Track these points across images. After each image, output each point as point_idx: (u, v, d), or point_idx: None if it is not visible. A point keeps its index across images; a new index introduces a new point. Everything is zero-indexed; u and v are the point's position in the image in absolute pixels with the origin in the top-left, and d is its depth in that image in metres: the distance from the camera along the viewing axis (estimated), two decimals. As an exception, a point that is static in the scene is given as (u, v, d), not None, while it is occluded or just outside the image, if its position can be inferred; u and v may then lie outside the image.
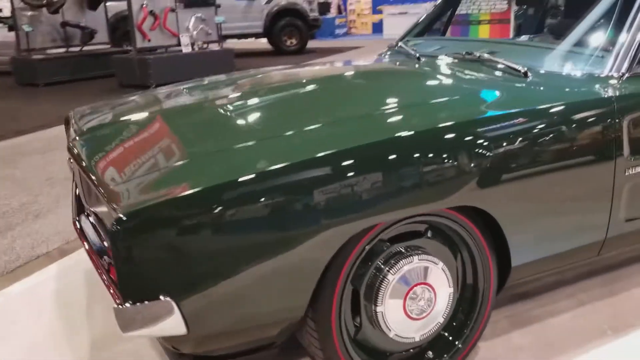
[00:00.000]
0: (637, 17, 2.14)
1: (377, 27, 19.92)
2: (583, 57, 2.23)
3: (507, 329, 2.19)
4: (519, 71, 2.22)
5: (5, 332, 2.36)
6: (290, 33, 14.07)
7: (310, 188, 1.54)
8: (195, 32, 9.99)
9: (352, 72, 2.96)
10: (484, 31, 8.03)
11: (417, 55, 2.81)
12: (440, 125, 1.77)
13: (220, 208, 1.49)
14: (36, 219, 3.63)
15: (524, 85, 2.14)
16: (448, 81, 2.41)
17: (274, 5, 13.74)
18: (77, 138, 2.20)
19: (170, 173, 1.67)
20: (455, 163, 1.71)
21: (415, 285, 1.77)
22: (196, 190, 1.50)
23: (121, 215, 1.44)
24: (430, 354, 1.93)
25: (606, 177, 1.95)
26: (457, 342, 1.94)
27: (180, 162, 1.72)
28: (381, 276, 1.72)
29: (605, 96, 1.98)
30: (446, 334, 1.95)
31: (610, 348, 2.06)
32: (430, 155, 1.69)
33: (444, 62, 2.64)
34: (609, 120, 1.93)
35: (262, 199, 1.50)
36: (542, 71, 2.22)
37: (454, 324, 1.95)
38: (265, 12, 13.68)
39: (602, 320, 2.23)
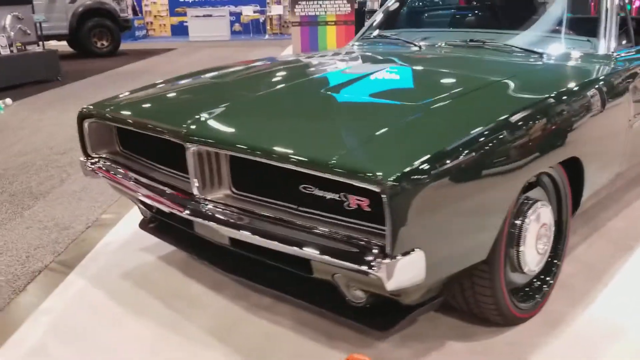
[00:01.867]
0: (611, 12, 2.81)
1: (178, 30, 19.65)
2: (572, 42, 2.84)
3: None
4: (539, 53, 2.73)
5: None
6: (100, 34, 13.26)
7: (504, 143, 1.86)
8: (12, 32, 8.98)
9: (436, 57, 3.10)
10: (330, 32, 8.71)
11: (419, 45, 3.13)
12: (555, 93, 2.21)
13: (451, 164, 1.71)
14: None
15: (553, 65, 2.67)
16: (501, 63, 2.79)
17: (79, 5, 12.82)
18: (203, 123, 2.15)
19: (387, 139, 1.86)
20: (571, 123, 2.16)
21: (542, 225, 2.16)
22: (438, 150, 1.71)
23: (392, 180, 1.58)
24: (536, 280, 2.34)
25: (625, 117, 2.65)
26: (556, 262, 2.40)
27: (385, 130, 1.89)
28: (524, 220, 2.08)
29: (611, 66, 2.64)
30: (552, 260, 2.39)
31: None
32: (556, 117, 2.11)
33: (468, 48, 3.03)
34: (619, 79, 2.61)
35: (474, 153, 1.78)
36: (545, 54, 2.76)
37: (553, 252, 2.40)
38: (71, 12, 12.71)
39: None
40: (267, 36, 18.58)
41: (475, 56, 2.89)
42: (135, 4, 19.65)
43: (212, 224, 2.08)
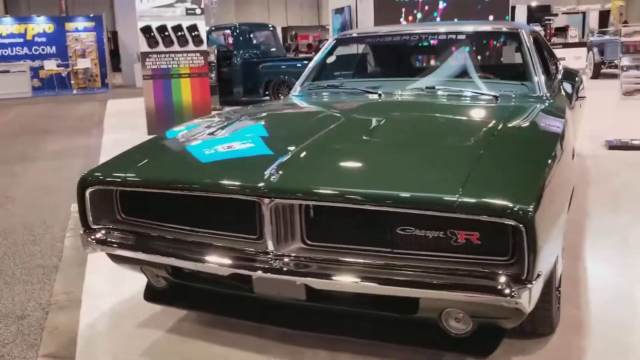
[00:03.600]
0: (534, 60, 3.36)
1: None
2: (512, 86, 3.31)
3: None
4: (495, 96, 3.14)
5: None
6: None
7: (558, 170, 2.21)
8: None
9: (419, 104, 3.30)
10: (185, 84, 8.61)
11: (379, 93, 3.35)
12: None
13: (546, 190, 1.96)
14: None
15: (504, 103, 3.08)
16: (480, 106, 3.13)
17: None
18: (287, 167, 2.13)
19: (486, 176, 2.04)
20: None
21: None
22: (542, 180, 1.98)
23: (530, 212, 1.76)
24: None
25: None
26: None
27: (472, 167, 2.06)
28: None
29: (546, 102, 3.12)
30: None
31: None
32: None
33: (429, 96, 3.31)
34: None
35: None
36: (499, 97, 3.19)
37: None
38: None
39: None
40: (74, 91, 17.41)
41: (450, 102, 3.20)
42: None
43: (298, 278, 2.04)
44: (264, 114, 3.32)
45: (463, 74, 3.51)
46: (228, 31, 12.49)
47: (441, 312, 2.01)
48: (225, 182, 2.17)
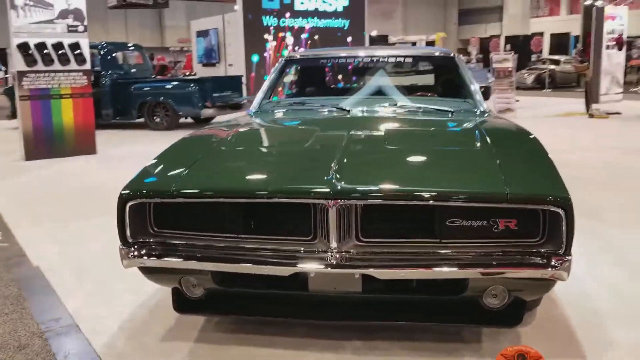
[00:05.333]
0: (471, 79, 3.90)
1: None
2: (459, 103, 3.80)
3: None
4: (449, 112, 3.59)
5: None
6: None
7: None
8: None
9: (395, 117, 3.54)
10: (66, 105, 8.17)
11: (347, 108, 3.63)
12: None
13: None
14: None
15: (461, 117, 3.54)
16: (445, 119, 3.48)
17: None
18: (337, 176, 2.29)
19: (515, 171, 2.41)
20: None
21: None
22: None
23: (568, 199, 2.15)
24: None
25: None
26: None
27: (498, 164, 2.43)
28: None
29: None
30: None
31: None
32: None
33: (390, 109, 3.64)
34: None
35: None
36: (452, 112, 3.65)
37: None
38: None
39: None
40: None
41: (424, 117, 3.54)
42: None
43: (364, 271, 2.25)
44: (267, 128, 3.45)
45: (414, 92, 3.94)
46: (95, 50, 11.95)
47: (484, 290, 2.35)
48: (289, 188, 2.31)
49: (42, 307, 3.12)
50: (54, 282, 3.44)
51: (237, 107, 11.44)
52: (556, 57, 22.26)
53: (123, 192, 2.38)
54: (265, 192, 2.31)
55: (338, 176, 2.30)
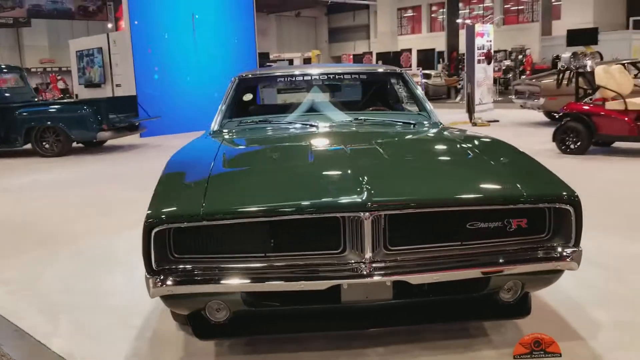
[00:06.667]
0: (422, 94, 4.17)
1: None
2: (415, 116, 4.03)
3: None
4: (412, 124, 3.81)
5: None
6: None
7: None
8: None
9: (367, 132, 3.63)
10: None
11: (316, 124, 3.70)
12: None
13: None
14: None
15: (425, 127, 3.77)
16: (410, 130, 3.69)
17: None
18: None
19: (520, 173, 2.64)
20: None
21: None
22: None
23: (577, 196, 2.41)
24: None
25: None
26: None
27: (499, 168, 2.68)
28: None
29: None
30: None
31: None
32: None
33: (353, 125, 3.76)
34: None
35: None
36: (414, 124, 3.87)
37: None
38: None
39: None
40: None
41: (398, 129, 3.71)
42: None
43: (400, 277, 2.35)
44: (254, 147, 3.48)
45: (369, 106, 4.12)
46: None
47: (503, 286, 2.55)
48: (324, 202, 2.35)
49: (25, 353, 2.87)
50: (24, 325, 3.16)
51: (133, 128, 11.01)
52: (427, 71, 23.78)
53: (148, 219, 2.29)
54: (302, 209, 2.33)
55: (370, 189, 2.38)
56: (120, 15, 20.21)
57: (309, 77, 4.30)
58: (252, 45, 14.68)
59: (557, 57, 19.74)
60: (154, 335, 2.95)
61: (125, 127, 10.77)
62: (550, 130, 8.46)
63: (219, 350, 2.74)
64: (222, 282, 2.33)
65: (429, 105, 4.07)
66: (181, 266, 2.38)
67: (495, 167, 2.69)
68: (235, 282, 2.34)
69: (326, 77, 4.33)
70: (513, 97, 12.79)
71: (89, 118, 10.07)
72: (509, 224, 2.48)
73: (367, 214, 2.31)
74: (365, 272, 2.34)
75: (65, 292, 3.58)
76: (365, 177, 2.48)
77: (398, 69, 4.43)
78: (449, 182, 2.58)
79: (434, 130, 3.65)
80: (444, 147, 3.27)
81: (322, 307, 2.51)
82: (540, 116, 12.80)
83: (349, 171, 2.58)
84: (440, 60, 28.64)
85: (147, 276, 2.32)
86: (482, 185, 2.56)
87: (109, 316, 3.18)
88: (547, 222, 2.49)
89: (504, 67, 25.69)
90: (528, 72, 24.01)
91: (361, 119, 3.85)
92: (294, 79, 4.33)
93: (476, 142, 3.15)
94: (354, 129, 3.68)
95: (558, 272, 2.53)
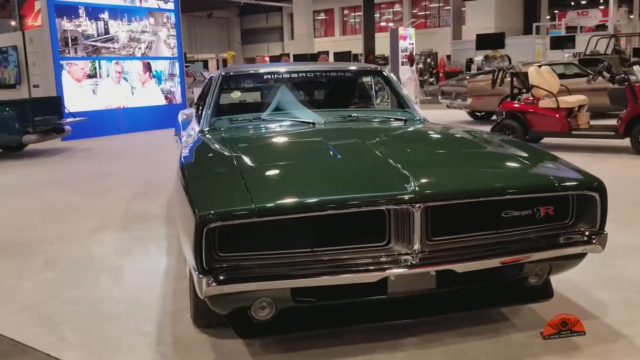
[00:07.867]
0: (404, 91, 4.28)
1: None
2: (403, 112, 4.10)
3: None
4: (403, 120, 3.90)
5: None
6: None
7: None
8: None
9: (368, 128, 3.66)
10: None
11: (313, 122, 3.68)
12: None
13: None
14: None
15: (417, 122, 3.87)
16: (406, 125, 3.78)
17: None
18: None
19: (539, 164, 2.78)
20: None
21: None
22: None
23: (602, 184, 2.56)
24: None
25: None
26: None
27: (523, 160, 2.79)
28: None
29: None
30: None
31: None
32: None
33: (349, 122, 3.78)
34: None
35: None
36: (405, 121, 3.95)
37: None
38: None
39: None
40: None
41: (396, 124, 3.78)
42: None
43: (448, 266, 2.41)
44: (268, 141, 3.46)
45: (357, 103, 4.16)
46: None
47: (534, 270, 2.66)
48: (377, 195, 2.36)
49: (37, 367, 2.66)
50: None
51: (59, 131, 10.39)
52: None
53: (200, 214, 2.20)
54: (354, 201, 2.34)
55: (418, 181, 2.41)
56: (25, 13, 18.96)
57: (296, 75, 4.27)
58: (177, 44, 14.30)
59: (471, 60, 20.79)
60: (176, 340, 2.83)
61: (52, 129, 10.15)
62: (476, 128, 8.81)
63: (252, 350, 2.68)
64: (274, 279, 2.29)
65: (411, 103, 4.18)
66: (227, 264, 2.31)
67: (518, 159, 2.81)
68: (287, 279, 2.30)
69: (313, 75, 4.33)
70: (439, 97, 13.28)
71: (13, 121, 9.40)
72: (538, 211, 2.60)
73: (418, 205, 2.34)
74: (414, 263, 2.37)
75: (54, 303, 3.34)
76: (407, 170, 2.51)
77: (379, 68, 4.49)
78: (488, 173, 2.67)
79: (436, 126, 3.77)
80: (462, 140, 3.35)
81: (368, 300, 2.52)
82: (464, 115, 13.39)
83: (388, 164, 2.61)
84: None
85: (199, 276, 2.23)
86: (518, 175, 2.67)
87: (116, 324, 3.01)
88: (571, 208, 2.64)
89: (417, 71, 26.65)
90: (441, 75, 25.00)
91: (354, 116, 3.88)
92: (280, 76, 4.27)
93: (485, 137, 3.28)
94: (354, 124, 3.71)
95: (582, 256, 2.68)
